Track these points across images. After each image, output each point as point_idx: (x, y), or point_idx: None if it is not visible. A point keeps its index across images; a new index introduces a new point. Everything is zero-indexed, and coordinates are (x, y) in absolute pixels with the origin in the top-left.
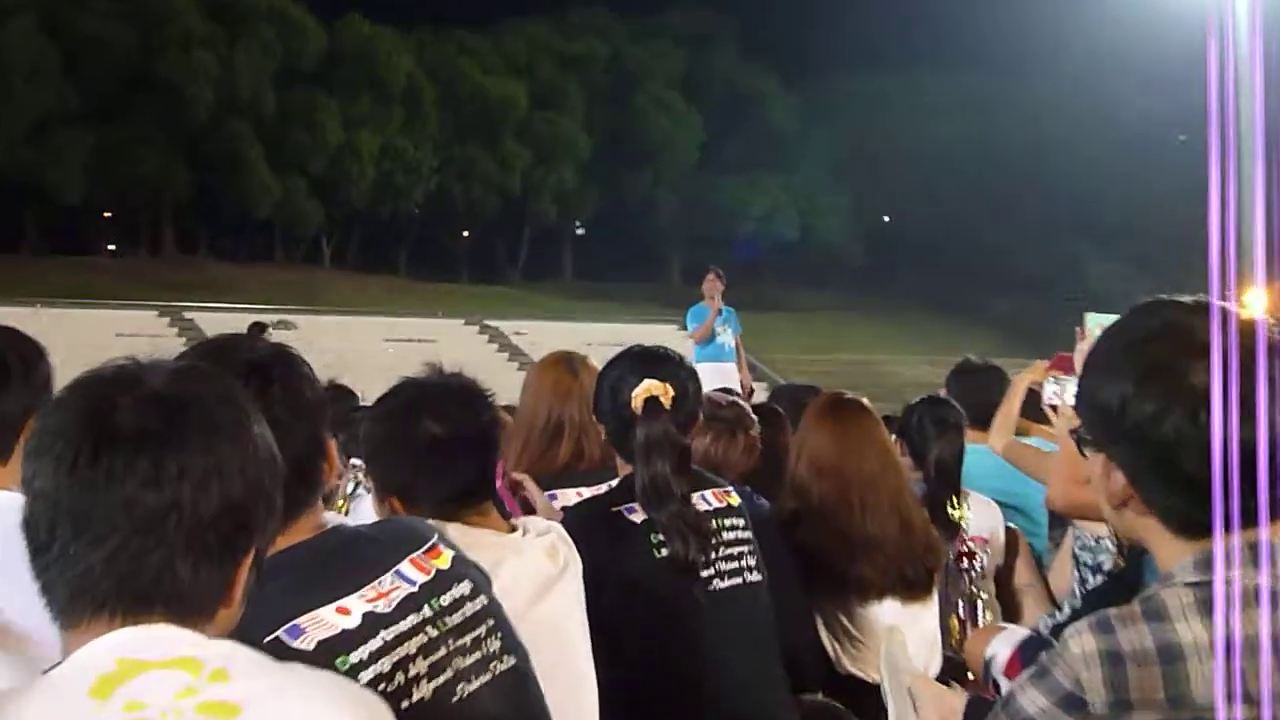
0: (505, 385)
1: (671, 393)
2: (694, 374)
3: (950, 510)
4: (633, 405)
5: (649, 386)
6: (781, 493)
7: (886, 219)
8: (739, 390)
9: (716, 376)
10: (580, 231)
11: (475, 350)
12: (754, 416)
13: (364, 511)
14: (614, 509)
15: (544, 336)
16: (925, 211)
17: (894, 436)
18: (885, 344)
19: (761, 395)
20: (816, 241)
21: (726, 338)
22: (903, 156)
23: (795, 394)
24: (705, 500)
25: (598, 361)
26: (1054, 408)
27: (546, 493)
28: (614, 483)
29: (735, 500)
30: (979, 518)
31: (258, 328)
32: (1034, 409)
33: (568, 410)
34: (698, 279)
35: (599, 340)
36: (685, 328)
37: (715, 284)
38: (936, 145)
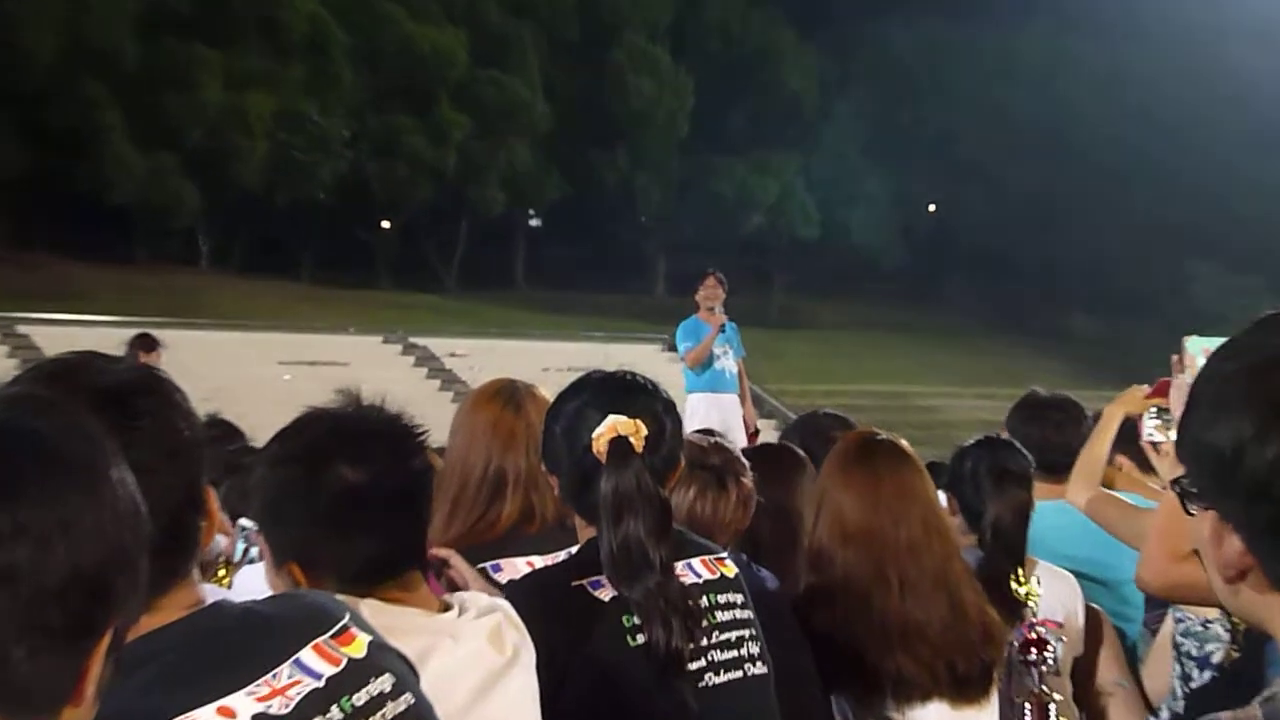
0: (439, 421)
1: (644, 432)
2: (671, 407)
3: (1014, 586)
4: (594, 450)
5: (615, 424)
6: (796, 563)
7: (933, 209)
8: (745, 427)
9: (714, 411)
10: (536, 224)
11: (399, 376)
12: (745, 461)
13: (253, 583)
14: (575, 583)
15: (488, 359)
16: (984, 204)
17: (941, 491)
18: (930, 372)
19: (769, 435)
20: (842, 240)
21: (728, 362)
22: (955, 132)
23: (819, 427)
24: (692, 571)
25: (552, 393)
26: (1155, 446)
27: (489, 564)
28: (574, 550)
29: (731, 571)
30: (1051, 595)
31: (141, 343)
32: (1131, 452)
33: (511, 457)
34: (689, 286)
35: (559, 364)
36: (674, 348)
37: (715, 291)
38: (1001, 119)
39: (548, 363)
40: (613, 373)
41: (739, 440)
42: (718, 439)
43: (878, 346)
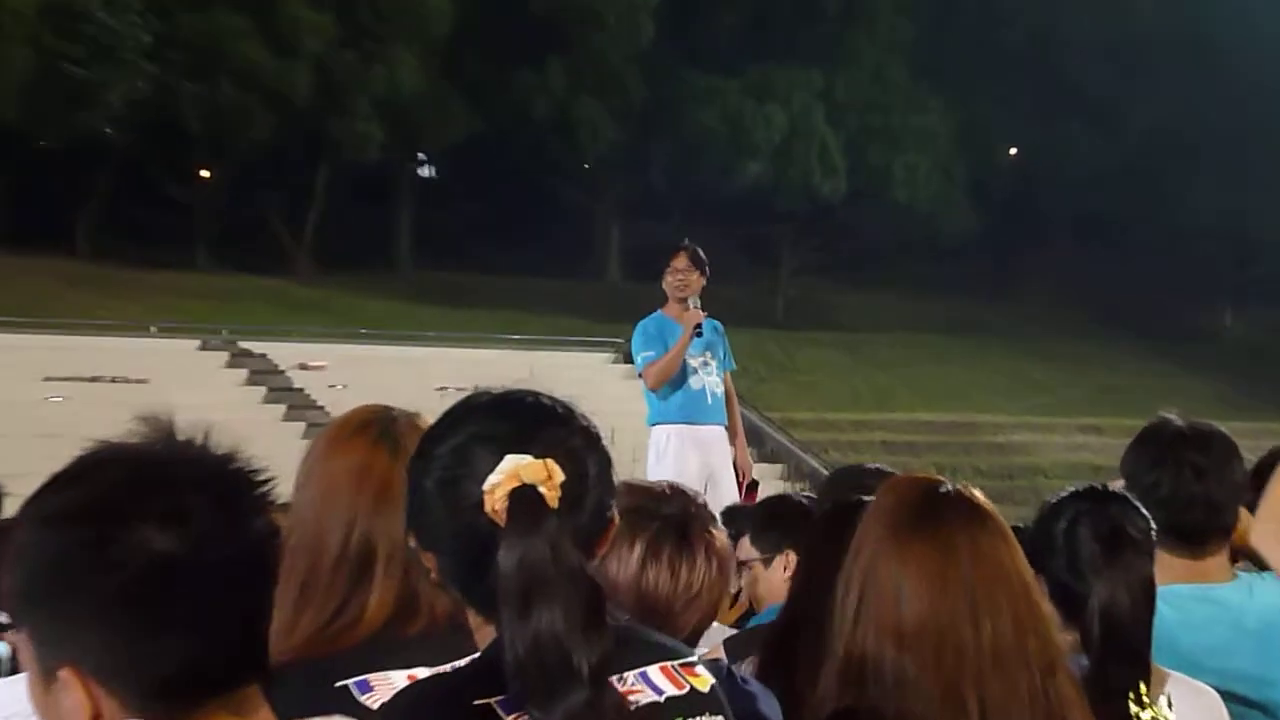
0: (285, 466)
1: (559, 478)
2: (596, 440)
3: (1133, 708)
4: (487, 508)
5: (516, 469)
6: (818, 672)
7: (1014, 153)
8: (735, 476)
9: (690, 451)
10: (428, 175)
11: (226, 399)
12: (713, 512)
13: (5, 702)
14: (478, 703)
15: (357, 374)
16: (1089, 148)
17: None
18: (1009, 393)
19: (773, 488)
20: (881, 199)
21: (709, 379)
22: (1047, 41)
23: (848, 483)
24: (648, 684)
25: None
26: None
27: (353, 680)
28: (476, 656)
29: (705, 683)
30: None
31: None
32: None
33: (384, 521)
34: (652, 266)
35: (461, 381)
36: (630, 359)
37: (690, 275)
38: (1116, 22)
39: (443, 379)
40: (508, 393)
41: (726, 495)
42: (679, 485)
43: (933, 356)
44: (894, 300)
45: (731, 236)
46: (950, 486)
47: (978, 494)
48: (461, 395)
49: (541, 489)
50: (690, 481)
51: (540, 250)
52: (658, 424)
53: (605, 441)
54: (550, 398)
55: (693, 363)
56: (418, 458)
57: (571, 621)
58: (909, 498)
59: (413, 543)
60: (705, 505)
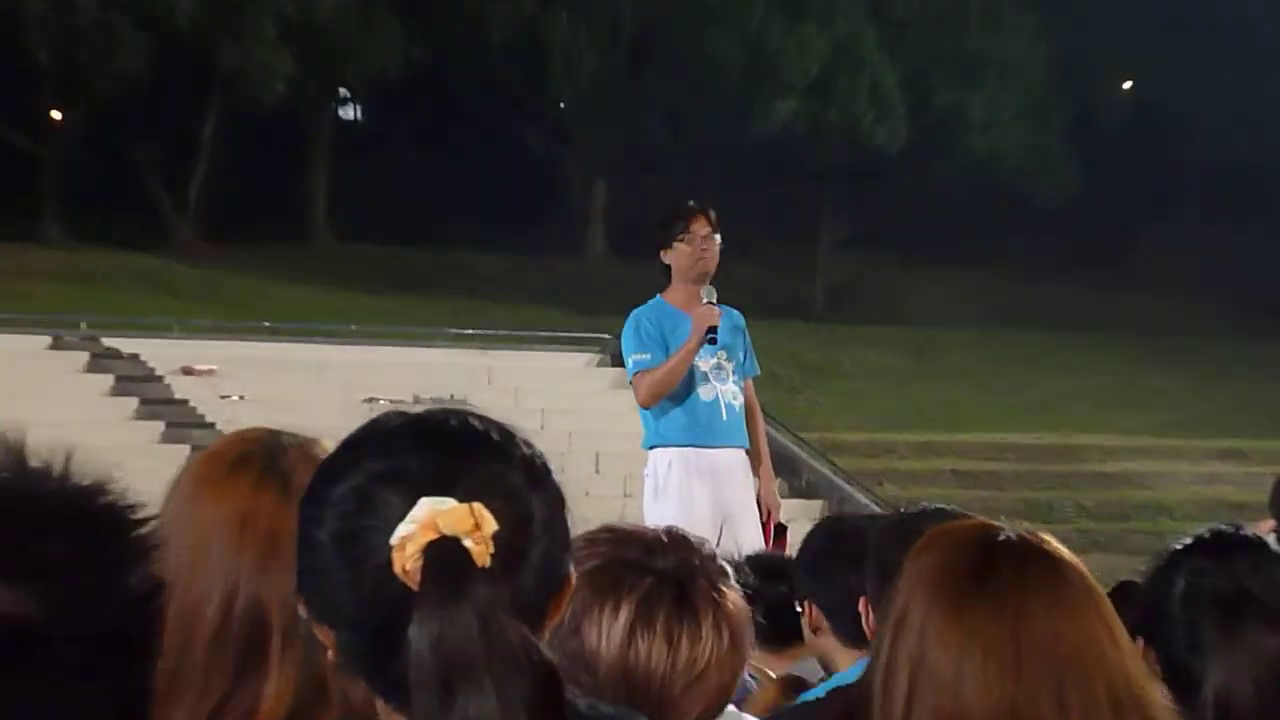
0: (158, 492)
1: (490, 527)
2: (540, 475)
3: None
4: (396, 569)
5: (433, 518)
6: None
7: (1128, 87)
8: (760, 516)
9: (698, 482)
10: (351, 118)
11: (85, 415)
12: (724, 564)
13: None
14: None
15: (261, 381)
16: (1237, 88)
17: (1137, 639)
18: (1120, 407)
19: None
20: (950, 153)
21: (724, 386)
22: None
23: (902, 531)
24: None
25: None
26: None
27: None
28: None
29: None
30: None
31: None
32: None
33: (276, 584)
34: (648, 240)
35: (394, 392)
36: (620, 361)
37: (711, 246)
38: None
39: (372, 388)
40: (427, 415)
41: (747, 541)
42: (671, 528)
43: (1022, 359)
44: (970, 285)
45: (753, 200)
46: (1010, 533)
47: (1049, 540)
48: (392, 410)
49: (467, 542)
50: (699, 524)
51: (500, 218)
52: (656, 447)
53: (556, 475)
54: (482, 419)
55: (703, 367)
56: (309, 502)
57: (510, 715)
58: (960, 552)
59: (304, 612)
60: (713, 557)
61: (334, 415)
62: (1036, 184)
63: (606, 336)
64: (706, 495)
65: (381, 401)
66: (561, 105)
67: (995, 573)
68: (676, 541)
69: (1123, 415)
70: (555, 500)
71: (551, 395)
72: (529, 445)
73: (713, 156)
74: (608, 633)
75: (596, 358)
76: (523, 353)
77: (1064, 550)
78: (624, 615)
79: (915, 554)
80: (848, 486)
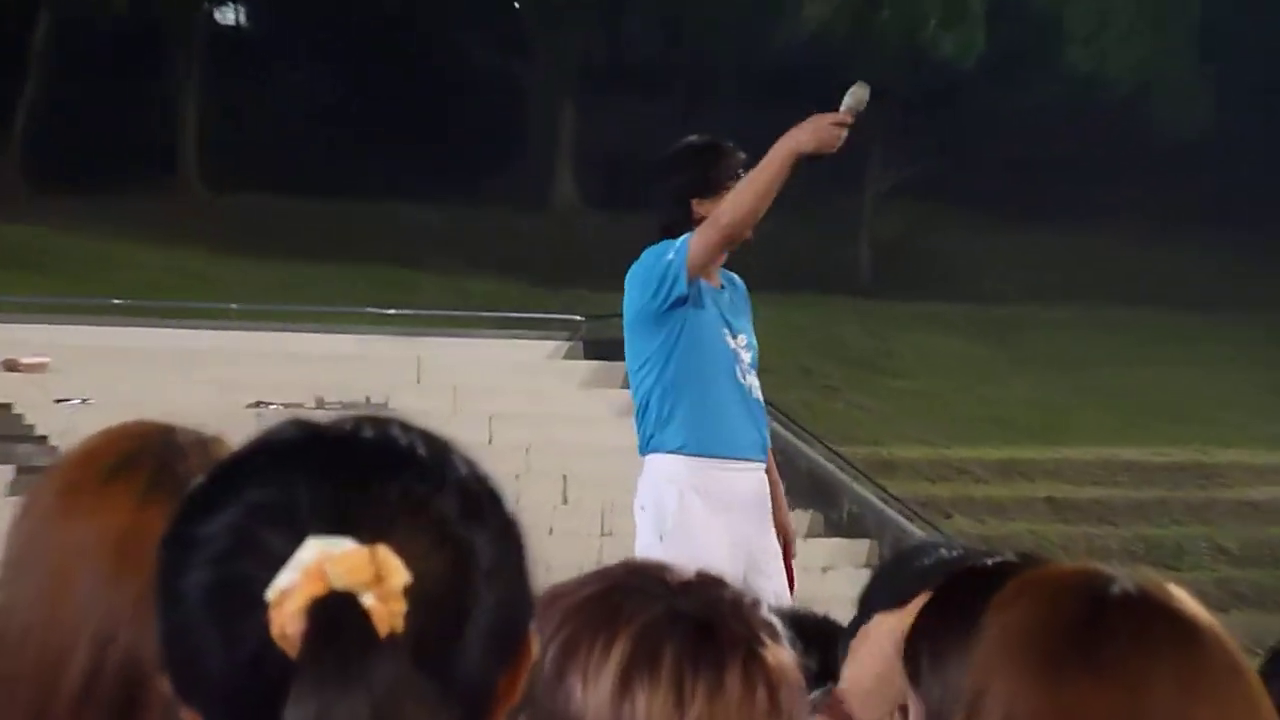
0: None
1: (400, 579)
2: (483, 505)
3: None
4: (274, 630)
5: (320, 566)
6: None
7: None
8: (779, 549)
9: (716, 510)
10: (230, 23)
11: None
12: (773, 619)
13: None
14: None
15: (111, 378)
16: None
17: None
18: (1271, 416)
19: (849, 579)
20: (1044, 72)
21: (750, 376)
22: None
23: (975, 584)
24: None
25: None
26: None
27: None
28: None
29: None
30: None
31: None
32: None
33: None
34: (628, 189)
35: (303, 387)
36: (597, 352)
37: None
38: None
39: (262, 388)
40: (329, 425)
41: (774, 591)
42: (704, 573)
43: (1140, 348)
44: (1066, 248)
45: (772, 135)
46: (1127, 583)
47: (1178, 593)
48: (288, 419)
49: (367, 599)
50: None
51: (434, 158)
52: (659, 454)
53: (510, 507)
54: (407, 430)
55: (730, 342)
56: (171, 543)
57: None
58: (1060, 609)
59: (166, 687)
60: (754, 601)
61: (210, 425)
62: (1156, 114)
63: (578, 318)
64: (724, 532)
65: (273, 407)
66: (517, 5)
67: (1108, 637)
68: (708, 581)
69: (1275, 425)
70: (507, 539)
71: (503, 396)
72: (471, 464)
73: (719, 75)
74: (596, 679)
75: (564, 346)
76: (464, 339)
77: (1198, 607)
78: (618, 653)
79: (998, 610)
80: (904, 521)
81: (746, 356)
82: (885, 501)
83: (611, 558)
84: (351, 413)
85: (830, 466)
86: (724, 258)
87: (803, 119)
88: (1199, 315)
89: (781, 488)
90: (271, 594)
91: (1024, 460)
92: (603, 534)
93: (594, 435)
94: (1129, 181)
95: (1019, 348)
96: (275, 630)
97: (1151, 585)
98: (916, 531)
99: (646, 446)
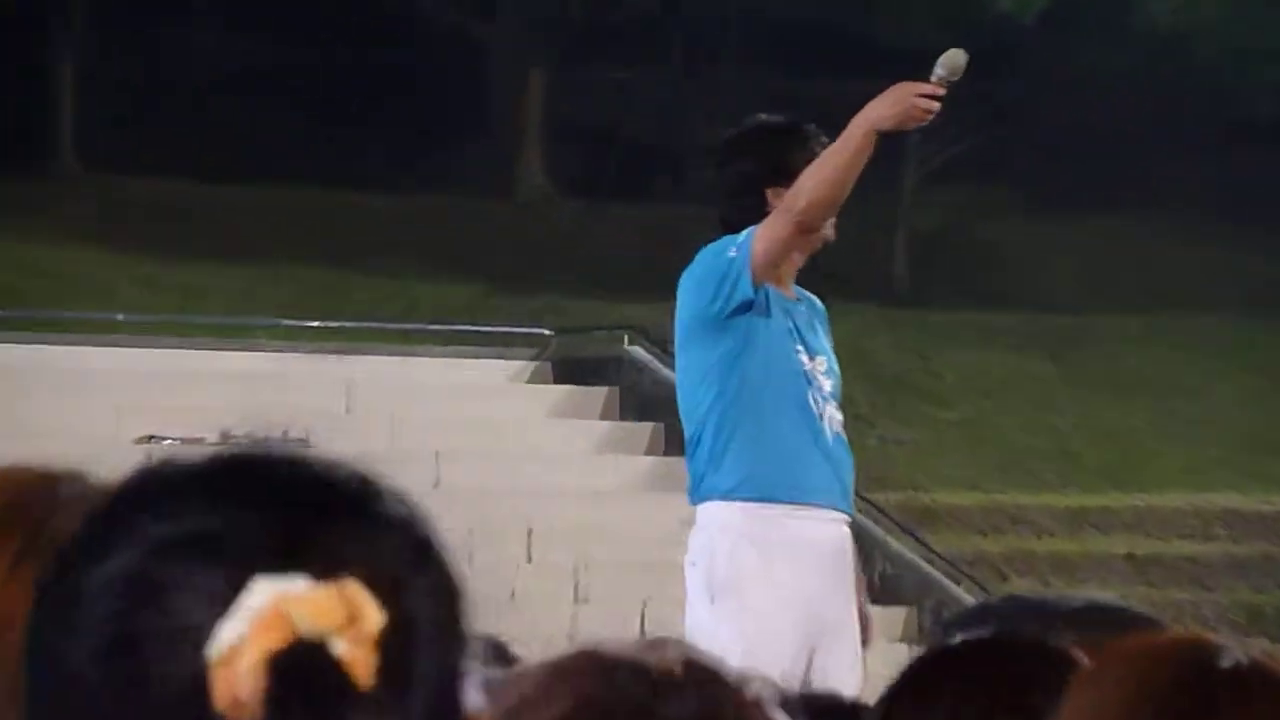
0: None
1: (374, 622)
2: (424, 545)
3: None
4: (219, 696)
5: (280, 605)
6: None
7: None
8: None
9: (788, 568)
10: None
11: None
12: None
13: None
14: None
15: None
16: None
17: None
18: None
19: (885, 656)
20: (1113, 29)
21: (829, 406)
22: None
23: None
24: None
25: None
26: None
27: None
28: None
29: None
30: None
31: None
32: None
33: None
34: (602, 175)
35: (206, 417)
36: (568, 375)
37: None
38: None
39: (153, 417)
40: (235, 453)
41: (841, 674)
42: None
43: (1237, 362)
44: (1149, 243)
45: (790, 106)
46: (1238, 656)
47: None
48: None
49: (338, 646)
50: (778, 645)
51: (377, 137)
52: (707, 500)
53: (440, 548)
54: (327, 461)
55: (806, 363)
56: (49, 602)
57: None
58: (1157, 684)
59: None
60: (760, 704)
61: (92, 463)
62: (1253, 82)
63: (547, 332)
64: (798, 597)
65: (169, 441)
66: None
67: (1213, 717)
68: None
69: None
70: (447, 587)
71: (454, 430)
72: (404, 502)
73: (722, 34)
74: None
75: (529, 366)
76: (407, 358)
77: None
78: None
79: (1082, 686)
80: (950, 583)
81: (826, 384)
82: (927, 560)
83: (587, 629)
84: (264, 443)
85: (860, 517)
86: (800, 260)
87: (823, 88)
88: None
89: (861, 574)
90: (214, 650)
91: (1097, 508)
92: (576, 600)
93: (566, 478)
94: (1219, 164)
95: (1088, 366)
96: (222, 696)
97: (1264, 658)
98: (965, 596)
99: (698, 490)
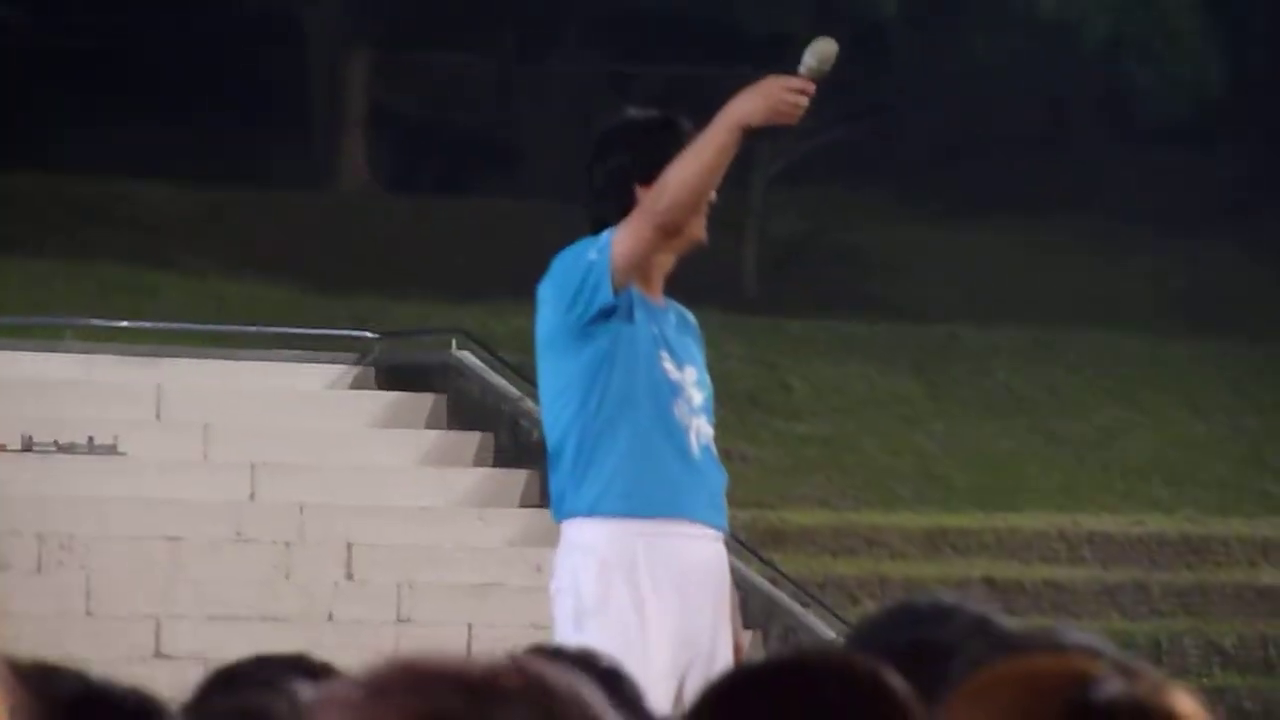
0: None
1: None
2: None
3: None
4: None
5: None
6: None
7: None
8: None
9: (660, 590)
10: None
11: None
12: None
13: None
14: None
15: None
16: None
17: None
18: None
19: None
20: (977, 15)
21: (697, 419)
22: None
23: (934, 639)
24: None
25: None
26: None
27: None
28: None
29: None
30: None
31: None
32: None
33: None
34: (430, 167)
35: None
36: (389, 380)
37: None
38: None
39: None
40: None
41: None
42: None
43: (1106, 381)
44: (1019, 252)
45: (634, 94)
46: (1118, 688)
47: (1182, 704)
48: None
49: None
50: (653, 671)
51: (185, 124)
52: (580, 518)
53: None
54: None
55: (673, 374)
56: None
57: None
58: (1031, 713)
59: None
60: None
61: None
62: (1142, 80)
63: (370, 334)
64: (669, 619)
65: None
66: None
67: None
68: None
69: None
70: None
71: (270, 439)
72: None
73: (558, 19)
74: None
75: (351, 372)
76: (220, 362)
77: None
78: None
79: (953, 711)
80: (798, 607)
81: (697, 396)
82: (774, 581)
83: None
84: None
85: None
86: (668, 263)
87: (671, 68)
88: (1188, 343)
89: (735, 594)
90: None
91: (956, 529)
92: (399, 620)
93: (389, 492)
94: (1102, 166)
95: (951, 381)
96: None
97: (1148, 688)
98: (813, 620)
99: (560, 508)
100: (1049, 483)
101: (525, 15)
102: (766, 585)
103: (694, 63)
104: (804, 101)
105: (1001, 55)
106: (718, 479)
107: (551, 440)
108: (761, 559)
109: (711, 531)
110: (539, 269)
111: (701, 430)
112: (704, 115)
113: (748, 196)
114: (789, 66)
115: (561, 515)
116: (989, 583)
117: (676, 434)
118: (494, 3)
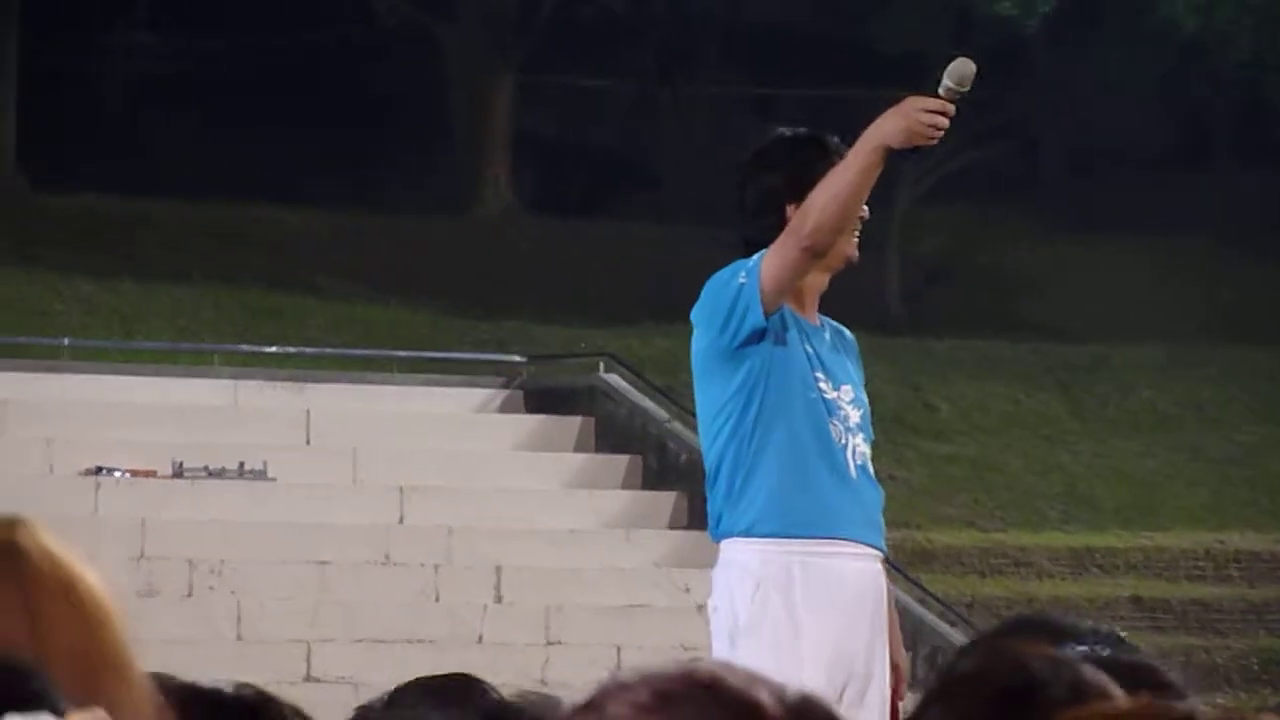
0: None
1: None
2: None
3: None
4: None
5: None
6: None
7: None
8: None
9: (817, 611)
10: None
11: None
12: None
13: None
14: None
15: None
16: None
17: None
18: None
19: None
20: (1122, 31)
21: (855, 438)
22: None
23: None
24: None
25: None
26: None
27: None
28: None
29: None
30: None
31: None
32: None
33: None
34: (574, 190)
35: (150, 448)
36: (539, 404)
37: None
38: None
39: (105, 445)
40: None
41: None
42: (808, 699)
43: (1254, 398)
44: (1176, 268)
45: (773, 115)
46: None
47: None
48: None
49: None
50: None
51: (327, 149)
52: (726, 538)
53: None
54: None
55: (828, 392)
56: None
57: None
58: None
59: None
60: None
61: (41, 500)
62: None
63: (517, 358)
64: (825, 638)
65: (117, 474)
66: None
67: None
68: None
69: None
70: None
71: (418, 463)
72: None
73: (699, 41)
74: None
75: (499, 395)
76: (368, 386)
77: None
78: None
79: (934, 697)
80: (946, 626)
81: (854, 415)
82: (922, 602)
83: (558, 676)
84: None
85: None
86: (822, 282)
87: (811, 91)
88: None
89: (895, 613)
90: None
91: (1102, 548)
92: (548, 643)
93: (537, 514)
94: (1239, 183)
95: (1094, 399)
96: None
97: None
98: (961, 640)
99: (717, 528)
100: (1194, 500)
101: (666, 38)
102: (914, 605)
103: (835, 84)
104: (943, 122)
105: (1141, 73)
106: (874, 498)
107: (709, 462)
108: (909, 578)
109: (869, 550)
110: (679, 292)
111: (858, 449)
112: (846, 137)
113: (890, 216)
114: (928, 87)
115: (719, 536)
116: (1136, 601)
117: (832, 453)
118: (635, 25)
